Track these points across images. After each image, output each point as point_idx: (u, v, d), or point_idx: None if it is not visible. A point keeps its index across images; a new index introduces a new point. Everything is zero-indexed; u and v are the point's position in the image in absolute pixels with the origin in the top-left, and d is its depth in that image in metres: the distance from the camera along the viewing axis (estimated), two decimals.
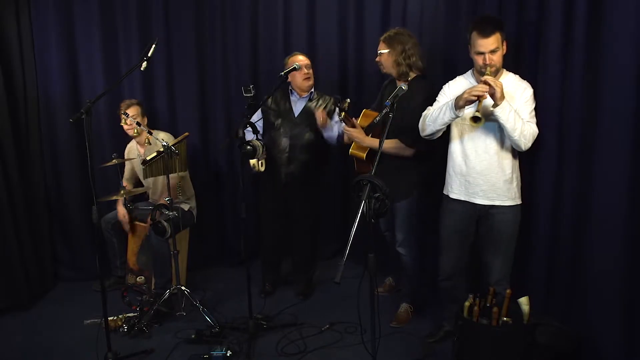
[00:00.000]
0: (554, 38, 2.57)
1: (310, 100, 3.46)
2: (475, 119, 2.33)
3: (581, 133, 2.50)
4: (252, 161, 3.23)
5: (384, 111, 2.33)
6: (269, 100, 3.44)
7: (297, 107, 3.46)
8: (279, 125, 3.44)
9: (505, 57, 2.54)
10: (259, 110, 3.49)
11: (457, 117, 2.49)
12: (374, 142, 2.99)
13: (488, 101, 2.43)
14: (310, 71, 3.40)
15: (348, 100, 2.94)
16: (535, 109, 2.57)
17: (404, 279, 3.37)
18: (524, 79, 2.59)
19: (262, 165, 3.25)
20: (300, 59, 3.38)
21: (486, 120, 2.47)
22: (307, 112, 3.41)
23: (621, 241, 2.26)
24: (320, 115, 3.25)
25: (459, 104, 2.44)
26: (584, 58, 2.44)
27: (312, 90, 3.46)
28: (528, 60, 2.75)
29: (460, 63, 3.15)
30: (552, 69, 2.60)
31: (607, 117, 2.30)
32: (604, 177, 2.33)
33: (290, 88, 3.46)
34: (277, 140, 3.43)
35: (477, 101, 2.40)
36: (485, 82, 2.37)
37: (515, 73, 2.60)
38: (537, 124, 2.54)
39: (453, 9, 3.26)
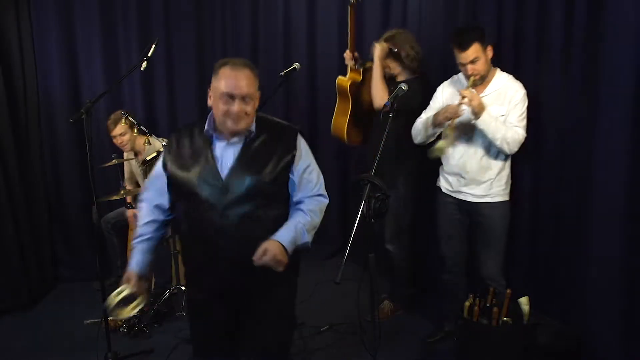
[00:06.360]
0: (554, 37, 2.57)
1: (248, 143, 1.82)
2: (439, 150, 2.51)
3: (581, 132, 2.51)
4: None
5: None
6: (170, 142, 1.89)
7: (225, 159, 1.81)
8: (192, 188, 1.79)
9: (503, 57, 2.55)
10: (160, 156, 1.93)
11: (438, 132, 2.64)
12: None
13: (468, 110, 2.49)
14: (249, 107, 1.76)
15: None
16: (535, 108, 2.58)
17: (388, 276, 3.29)
18: (524, 78, 2.60)
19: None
20: (231, 79, 1.76)
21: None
22: (246, 166, 1.79)
23: (621, 241, 2.26)
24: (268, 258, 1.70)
25: (436, 121, 2.59)
26: (583, 57, 2.45)
27: (252, 128, 1.82)
28: (528, 60, 2.75)
29: None
30: (552, 68, 2.60)
31: (607, 117, 2.30)
32: (603, 177, 2.34)
33: (208, 126, 1.84)
34: (198, 219, 1.82)
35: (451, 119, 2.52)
36: (463, 97, 2.45)
37: (512, 72, 2.62)
38: (538, 123, 2.56)
39: (452, 9, 3.26)
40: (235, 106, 1.74)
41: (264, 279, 1.78)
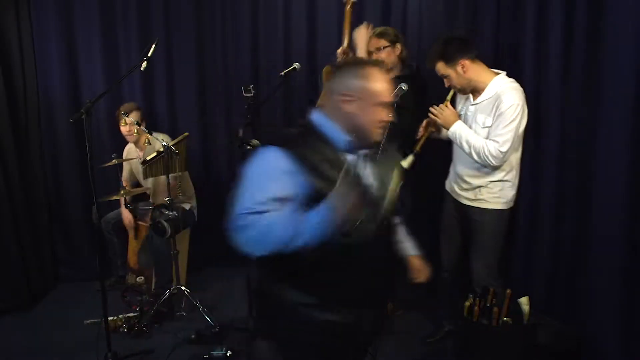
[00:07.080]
0: (554, 37, 2.57)
1: (375, 158, 1.66)
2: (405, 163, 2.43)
3: (581, 132, 2.51)
4: None
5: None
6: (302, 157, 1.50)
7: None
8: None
9: (503, 57, 2.54)
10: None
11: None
12: None
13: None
14: None
15: None
16: (535, 109, 2.58)
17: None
18: (524, 78, 2.61)
19: None
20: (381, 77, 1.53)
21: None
22: (383, 183, 1.64)
23: (621, 241, 2.26)
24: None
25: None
26: (583, 57, 2.45)
27: None
28: (528, 60, 2.75)
29: None
30: (553, 68, 2.60)
31: (607, 117, 2.30)
32: (603, 177, 2.34)
33: (342, 135, 1.56)
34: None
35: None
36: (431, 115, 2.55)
37: (512, 72, 2.61)
38: (538, 124, 2.57)
39: (452, 9, 3.26)
40: (390, 116, 1.53)
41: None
